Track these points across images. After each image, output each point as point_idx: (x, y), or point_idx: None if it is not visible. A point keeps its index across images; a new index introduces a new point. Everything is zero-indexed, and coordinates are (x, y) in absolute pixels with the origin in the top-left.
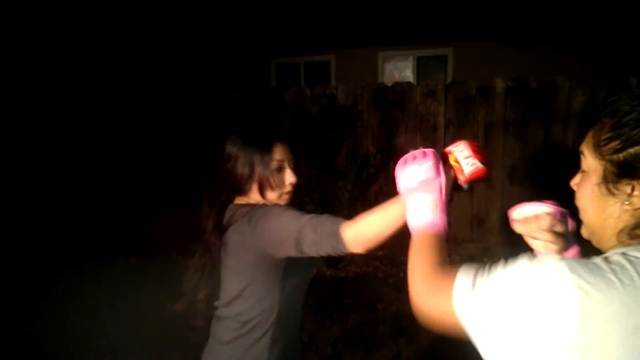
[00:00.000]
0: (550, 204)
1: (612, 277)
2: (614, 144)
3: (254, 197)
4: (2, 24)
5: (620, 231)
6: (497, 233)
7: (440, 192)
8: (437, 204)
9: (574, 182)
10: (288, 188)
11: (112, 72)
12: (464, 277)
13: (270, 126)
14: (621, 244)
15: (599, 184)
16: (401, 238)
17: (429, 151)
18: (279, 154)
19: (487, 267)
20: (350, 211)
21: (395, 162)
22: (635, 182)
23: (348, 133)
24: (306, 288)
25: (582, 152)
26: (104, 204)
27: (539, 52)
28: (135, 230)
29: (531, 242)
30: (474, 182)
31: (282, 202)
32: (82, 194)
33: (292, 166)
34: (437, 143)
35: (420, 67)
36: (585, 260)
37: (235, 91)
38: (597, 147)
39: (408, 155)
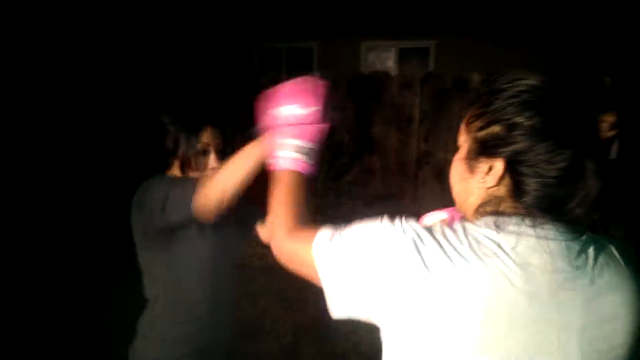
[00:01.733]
0: (450, 210)
1: (444, 241)
2: (478, 122)
3: (174, 172)
4: None
5: (477, 209)
6: None
7: (320, 141)
8: (314, 151)
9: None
10: (209, 172)
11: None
12: (327, 229)
13: (204, 107)
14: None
15: (461, 160)
16: None
17: (320, 85)
18: (206, 137)
19: (352, 224)
20: (323, 200)
21: (371, 153)
22: (492, 162)
23: None
24: (217, 272)
25: (460, 132)
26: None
27: (520, 48)
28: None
29: None
30: None
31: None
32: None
33: (219, 150)
34: (412, 135)
35: (403, 58)
36: (433, 228)
37: (213, 72)
38: (466, 124)
39: (292, 84)
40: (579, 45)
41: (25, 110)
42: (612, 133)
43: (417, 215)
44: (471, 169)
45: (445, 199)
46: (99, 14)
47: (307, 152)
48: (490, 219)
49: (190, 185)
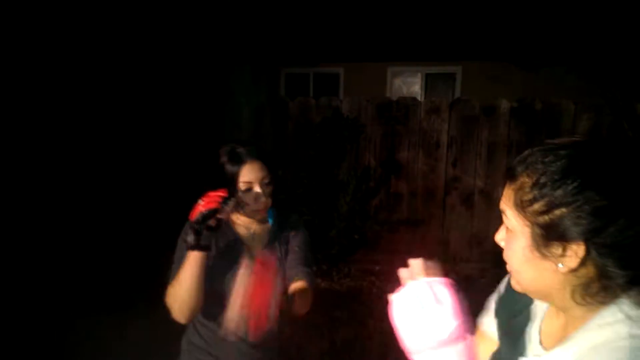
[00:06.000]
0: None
1: None
2: (537, 206)
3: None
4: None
5: (573, 293)
6: (495, 254)
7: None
8: None
9: (499, 238)
10: (259, 206)
11: (123, 79)
12: None
13: (243, 143)
14: (580, 304)
15: (529, 248)
16: (399, 254)
17: (446, 289)
18: (246, 175)
19: None
20: (349, 223)
21: (398, 178)
22: (565, 244)
23: (351, 145)
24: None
25: (503, 211)
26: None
27: (547, 74)
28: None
29: None
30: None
31: (256, 217)
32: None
33: (265, 183)
34: (440, 160)
35: (429, 83)
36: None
37: (241, 97)
38: (520, 209)
39: (410, 293)
40: (608, 70)
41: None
42: None
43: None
44: (543, 255)
45: (472, 225)
46: (135, 40)
47: None
48: (617, 312)
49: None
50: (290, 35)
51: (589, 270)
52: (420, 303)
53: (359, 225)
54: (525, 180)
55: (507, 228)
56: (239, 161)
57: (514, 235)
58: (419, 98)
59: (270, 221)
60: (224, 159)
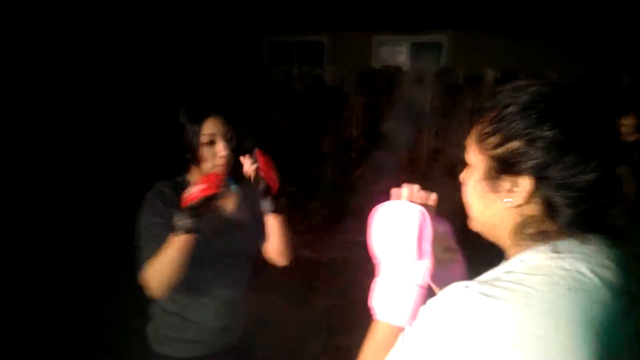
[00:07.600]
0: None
1: (521, 287)
2: (493, 139)
3: (192, 166)
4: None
5: (512, 231)
6: (480, 236)
7: (425, 277)
8: (419, 296)
9: (462, 176)
10: (220, 160)
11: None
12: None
13: (206, 98)
14: (517, 245)
15: (481, 180)
16: None
17: (415, 210)
18: (209, 127)
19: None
20: (332, 194)
21: (380, 148)
22: (515, 178)
23: (333, 115)
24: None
25: (466, 147)
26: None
27: (534, 43)
28: None
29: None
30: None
31: (216, 172)
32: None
33: (227, 139)
34: (423, 131)
35: (414, 53)
36: (488, 279)
37: (223, 67)
38: (479, 142)
39: (386, 207)
40: (596, 40)
41: (31, 110)
42: (633, 138)
43: None
44: (493, 188)
45: (455, 197)
46: (102, 9)
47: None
48: (545, 247)
49: (155, 242)
50: (271, 2)
51: (533, 208)
52: (390, 222)
53: (341, 196)
54: (490, 114)
55: (468, 165)
56: (200, 115)
57: (471, 170)
58: (405, 68)
59: (233, 187)
60: (184, 116)
